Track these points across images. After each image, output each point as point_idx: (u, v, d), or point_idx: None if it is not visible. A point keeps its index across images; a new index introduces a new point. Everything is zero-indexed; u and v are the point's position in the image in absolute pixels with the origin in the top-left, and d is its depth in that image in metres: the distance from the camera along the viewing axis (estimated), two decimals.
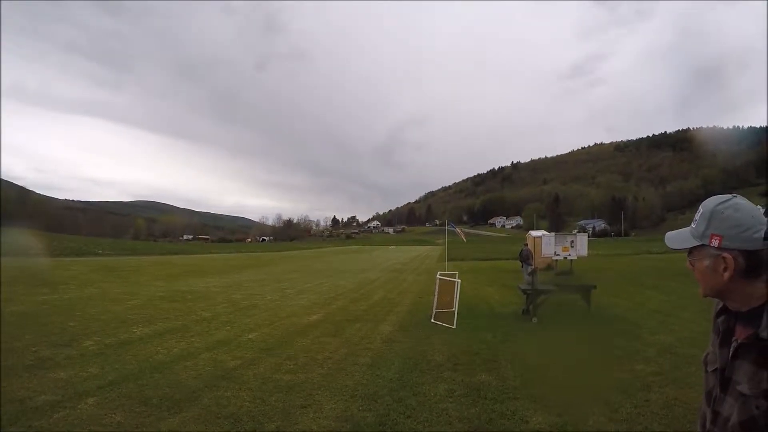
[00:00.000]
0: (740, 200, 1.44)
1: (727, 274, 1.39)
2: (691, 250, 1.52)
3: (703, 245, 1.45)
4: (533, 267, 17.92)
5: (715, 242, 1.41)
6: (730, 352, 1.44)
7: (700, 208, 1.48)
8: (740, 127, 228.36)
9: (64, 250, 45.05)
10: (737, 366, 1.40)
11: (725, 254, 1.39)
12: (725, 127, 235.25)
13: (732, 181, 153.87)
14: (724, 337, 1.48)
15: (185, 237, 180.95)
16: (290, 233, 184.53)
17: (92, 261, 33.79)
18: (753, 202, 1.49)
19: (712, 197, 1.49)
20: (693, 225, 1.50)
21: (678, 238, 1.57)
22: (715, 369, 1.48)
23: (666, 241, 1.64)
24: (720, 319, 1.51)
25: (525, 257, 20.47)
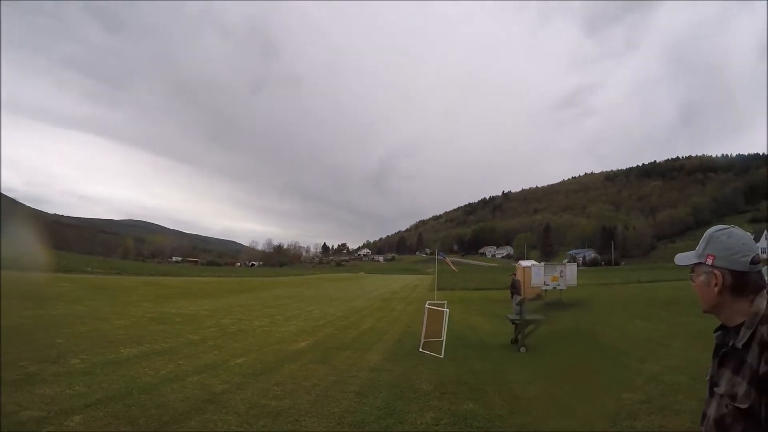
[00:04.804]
0: (735, 230, 1.73)
1: (717, 289, 1.67)
2: (693, 268, 1.80)
3: (701, 263, 1.75)
4: (522, 297, 17.98)
5: (709, 260, 1.71)
6: (718, 362, 1.71)
7: (704, 235, 1.79)
8: (728, 155, 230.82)
9: (53, 265, 44.62)
10: (722, 373, 1.66)
11: (716, 271, 1.67)
12: (714, 155, 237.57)
13: (722, 208, 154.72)
14: (717, 349, 1.75)
15: (174, 258, 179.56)
16: (280, 259, 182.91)
17: (81, 278, 33.44)
18: (743, 228, 1.79)
19: (714, 226, 1.80)
20: (697, 248, 1.80)
21: (684, 257, 1.86)
22: (710, 377, 1.75)
23: (675, 259, 1.91)
24: (716, 334, 1.79)
25: (514, 287, 20.60)
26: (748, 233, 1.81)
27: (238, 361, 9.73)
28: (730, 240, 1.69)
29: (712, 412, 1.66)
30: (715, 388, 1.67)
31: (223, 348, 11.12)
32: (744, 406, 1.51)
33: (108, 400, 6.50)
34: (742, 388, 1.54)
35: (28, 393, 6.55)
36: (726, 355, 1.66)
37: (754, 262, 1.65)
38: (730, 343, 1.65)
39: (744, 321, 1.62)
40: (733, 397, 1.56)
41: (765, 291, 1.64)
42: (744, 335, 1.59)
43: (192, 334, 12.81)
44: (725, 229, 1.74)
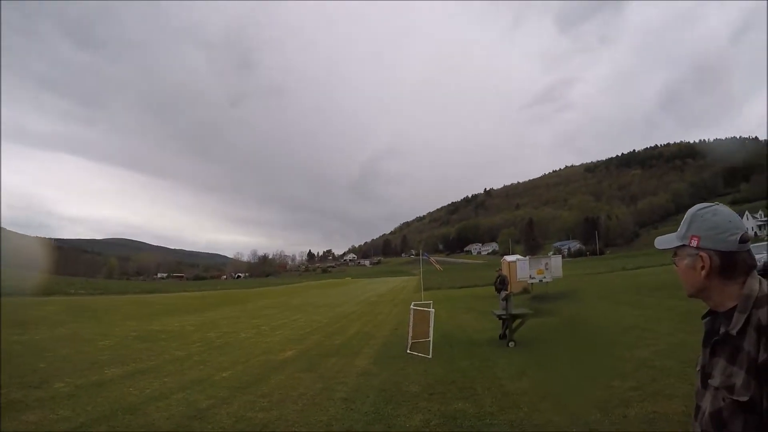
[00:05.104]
0: (720, 207, 1.59)
1: (704, 272, 1.54)
2: (675, 252, 1.66)
3: (684, 245, 1.61)
4: (507, 292, 18.00)
5: (694, 242, 1.57)
6: (710, 350, 1.57)
7: (686, 214, 1.65)
8: (706, 140, 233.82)
9: (35, 288, 43.92)
10: (715, 363, 1.52)
11: (702, 253, 1.54)
12: (691, 141, 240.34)
13: (701, 193, 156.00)
14: (707, 337, 1.60)
15: (159, 275, 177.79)
16: (265, 269, 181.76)
17: (64, 300, 32.95)
18: None
19: (697, 204, 1.66)
20: (679, 229, 1.66)
21: (664, 240, 1.73)
22: (702, 367, 1.60)
23: (655, 243, 1.78)
24: (705, 321, 1.64)
25: (501, 283, 20.61)
26: (733, 211, 1.63)
27: (224, 374, 9.63)
28: (715, 218, 1.55)
29: (706, 405, 1.51)
30: (709, 380, 1.52)
31: (209, 362, 11.00)
32: (743, 398, 1.38)
33: (92, 422, 6.40)
34: (739, 379, 1.40)
35: (12, 420, 6.44)
36: (718, 343, 1.52)
37: (743, 240, 1.51)
38: (722, 330, 1.51)
39: (736, 305, 1.48)
40: (730, 389, 1.42)
41: (756, 271, 1.53)
42: (738, 321, 1.45)
43: (177, 351, 12.66)
44: (709, 207, 1.60)
